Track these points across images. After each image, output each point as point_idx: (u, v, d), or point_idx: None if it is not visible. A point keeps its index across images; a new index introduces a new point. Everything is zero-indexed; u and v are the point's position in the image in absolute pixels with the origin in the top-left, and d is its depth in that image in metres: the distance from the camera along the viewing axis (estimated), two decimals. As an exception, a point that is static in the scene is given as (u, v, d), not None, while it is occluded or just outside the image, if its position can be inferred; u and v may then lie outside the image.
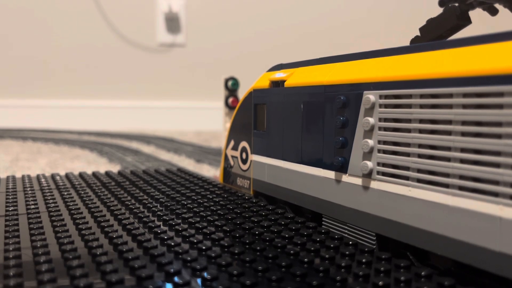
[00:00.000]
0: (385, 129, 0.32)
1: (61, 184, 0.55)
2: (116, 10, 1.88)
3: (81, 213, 0.41)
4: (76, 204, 0.44)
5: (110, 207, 0.43)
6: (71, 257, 0.29)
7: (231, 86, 0.79)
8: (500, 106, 0.25)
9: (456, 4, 0.35)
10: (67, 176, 0.61)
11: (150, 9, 1.90)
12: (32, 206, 0.43)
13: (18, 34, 1.83)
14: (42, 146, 1.28)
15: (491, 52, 0.26)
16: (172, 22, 1.91)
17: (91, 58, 1.88)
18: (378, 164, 0.33)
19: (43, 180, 0.58)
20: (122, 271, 0.28)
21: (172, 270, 0.28)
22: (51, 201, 0.46)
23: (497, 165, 0.25)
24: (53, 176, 0.60)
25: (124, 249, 0.31)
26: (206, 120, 1.82)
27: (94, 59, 1.88)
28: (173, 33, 1.92)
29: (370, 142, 0.33)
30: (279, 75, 0.46)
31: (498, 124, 0.25)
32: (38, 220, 0.38)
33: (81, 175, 0.62)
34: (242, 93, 0.58)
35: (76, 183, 0.56)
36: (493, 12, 0.38)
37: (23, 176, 0.60)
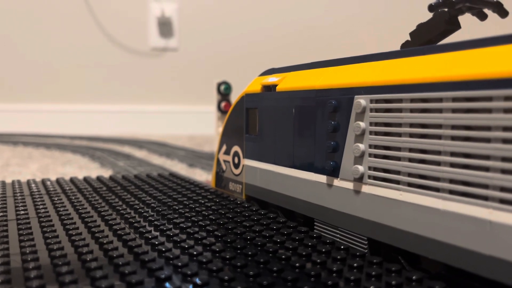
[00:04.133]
0: (376, 133, 0.32)
1: (51, 189, 0.55)
2: (108, 15, 1.87)
3: (72, 218, 0.41)
4: (67, 210, 0.44)
5: (101, 213, 0.43)
6: (60, 263, 0.29)
7: (224, 91, 0.79)
8: (489, 111, 0.25)
9: (446, 9, 0.36)
10: (58, 181, 0.61)
11: (142, 14, 1.89)
12: (22, 212, 0.43)
13: (8, 38, 1.82)
14: (33, 151, 1.27)
15: (480, 56, 0.26)
16: (165, 27, 1.91)
17: (84, 62, 1.87)
18: (369, 168, 0.33)
19: (33, 185, 0.57)
20: (112, 277, 0.28)
21: (163, 276, 0.27)
22: (41, 206, 0.45)
23: (486, 169, 0.25)
24: (43, 182, 0.60)
25: (115, 255, 0.31)
26: (198, 125, 1.82)
27: (86, 63, 1.87)
28: (166, 37, 1.92)
29: (361, 146, 0.33)
30: (271, 79, 0.46)
31: (487, 128, 0.25)
32: (28, 226, 0.38)
33: (72, 180, 0.61)
34: (234, 98, 0.58)
35: (67, 188, 0.55)
36: (482, 17, 0.38)
37: (13, 182, 0.60)
